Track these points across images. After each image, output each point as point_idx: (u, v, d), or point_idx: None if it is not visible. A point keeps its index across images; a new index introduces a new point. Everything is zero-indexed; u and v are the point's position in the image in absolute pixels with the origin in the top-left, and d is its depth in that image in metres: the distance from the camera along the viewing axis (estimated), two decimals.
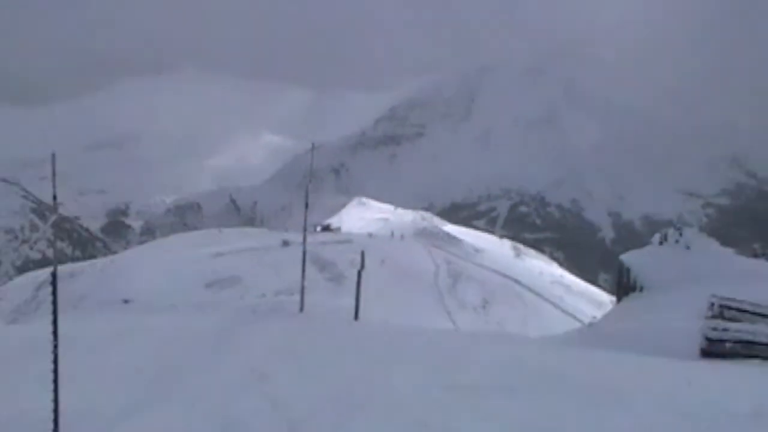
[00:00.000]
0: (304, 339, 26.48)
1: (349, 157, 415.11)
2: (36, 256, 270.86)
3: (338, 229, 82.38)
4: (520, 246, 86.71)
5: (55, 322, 14.88)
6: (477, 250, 74.11)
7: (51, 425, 13.84)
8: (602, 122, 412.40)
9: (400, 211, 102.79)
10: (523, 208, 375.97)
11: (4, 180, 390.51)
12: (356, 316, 34.78)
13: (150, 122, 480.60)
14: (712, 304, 28.80)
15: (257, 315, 33.36)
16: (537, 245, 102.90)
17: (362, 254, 40.81)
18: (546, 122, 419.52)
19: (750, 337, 27.47)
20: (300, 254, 36.09)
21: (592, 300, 60.72)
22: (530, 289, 63.13)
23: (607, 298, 53.90)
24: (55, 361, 14.47)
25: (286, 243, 57.45)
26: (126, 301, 48.62)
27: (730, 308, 28.64)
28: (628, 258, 37.76)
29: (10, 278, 73.77)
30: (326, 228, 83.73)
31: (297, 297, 35.83)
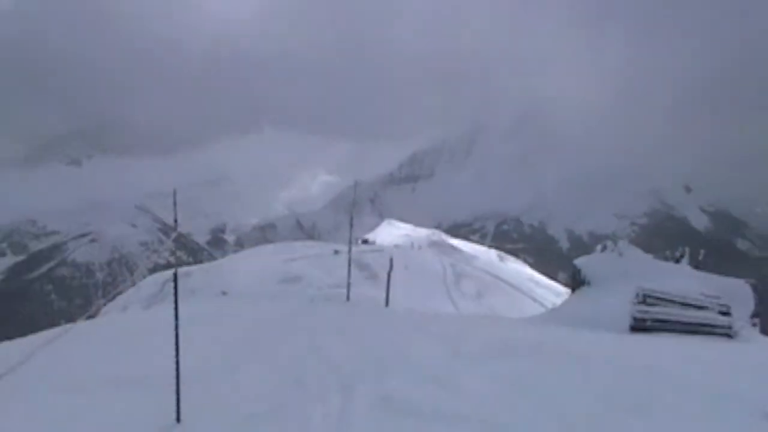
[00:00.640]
0: (349, 319, 26.53)
1: (381, 191, 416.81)
2: (162, 261, 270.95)
3: (374, 242, 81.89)
4: (503, 253, 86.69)
5: (176, 308, 14.95)
6: (473, 257, 74.06)
7: (174, 379, 13.90)
8: (561, 164, 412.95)
9: (417, 229, 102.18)
10: (504, 227, 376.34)
11: (140, 208, 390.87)
12: (387, 304, 34.78)
13: (240, 166, 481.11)
14: (638, 294, 29.00)
15: (315, 303, 33.36)
16: (514, 253, 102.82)
17: (391, 260, 40.93)
18: (522, 164, 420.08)
19: (664, 317, 28.08)
20: (346, 260, 36.42)
21: (554, 292, 60.80)
22: (511, 284, 63.10)
23: (564, 291, 53.85)
24: (176, 334, 14.55)
25: (336, 252, 57.38)
26: (224, 293, 48.73)
27: (650, 296, 28.85)
28: (579, 261, 37.97)
29: (144, 277, 74.10)
30: (365, 241, 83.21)
31: (344, 290, 35.85)
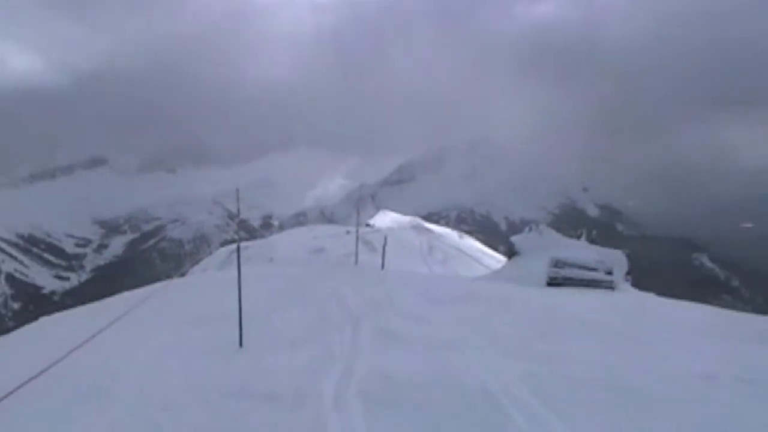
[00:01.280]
0: (358, 277, 26.55)
1: (379, 190, 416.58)
2: (229, 238, 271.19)
3: (374, 225, 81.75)
4: (462, 233, 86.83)
5: (238, 269, 15.14)
6: (440, 235, 74.19)
7: (237, 317, 14.03)
8: (501, 172, 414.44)
9: (403, 217, 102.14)
10: (462, 215, 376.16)
11: (215, 202, 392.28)
12: (382, 267, 34.77)
13: (281, 173, 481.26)
14: (552, 260, 29.16)
15: (334, 267, 33.46)
16: (469, 233, 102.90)
17: (385, 238, 40.88)
18: (474, 171, 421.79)
19: (569, 275, 28.31)
20: (355, 237, 36.75)
21: (496, 260, 60.92)
22: (467, 254, 63.15)
23: (503, 259, 53.88)
24: (239, 287, 14.71)
25: (348, 232, 57.48)
26: (271, 260, 48.85)
27: (560, 262, 29.07)
28: (513, 239, 38.16)
29: (217, 249, 74.31)
30: (368, 225, 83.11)
31: (353, 258, 35.91)
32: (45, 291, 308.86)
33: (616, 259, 31.97)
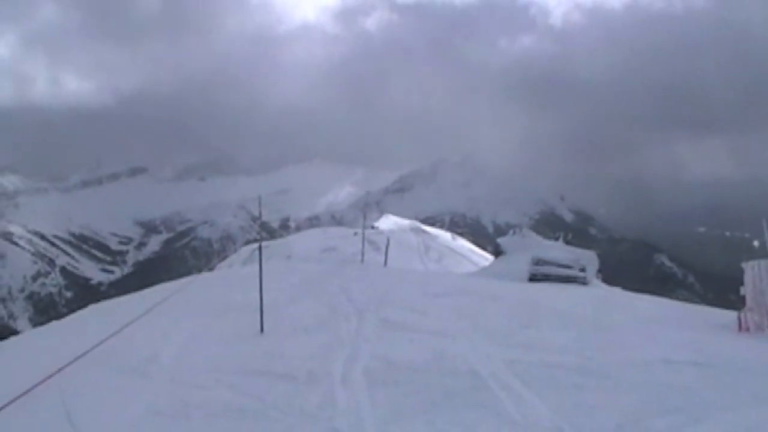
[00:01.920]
0: (364, 273, 26.58)
1: (383, 197, 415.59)
2: (251, 238, 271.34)
3: (378, 228, 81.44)
4: (455, 235, 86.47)
5: (260, 265, 15.15)
6: (436, 236, 73.91)
7: (259, 307, 14.04)
8: (490, 183, 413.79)
9: (403, 220, 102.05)
10: (455, 219, 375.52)
11: (240, 206, 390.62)
12: (385, 264, 34.77)
13: (298, 182, 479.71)
14: (533, 259, 29.19)
15: (343, 264, 33.32)
16: (461, 235, 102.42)
17: (387, 239, 41.18)
18: (466, 183, 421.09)
19: (548, 273, 28.33)
20: (362, 238, 36.70)
21: (484, 258, 60.59)
22: (459, 253, 62.95)
23: (490, 258, 53.58)
24: (260, 281, 14.71)
25: (356, 233, 57.07)
26: (288, 257, 48.71)
27: (540, 260, 29.11)
28: (499, 240, 38.43)
29: (241, 247, 74.50)
30: (373, 227, 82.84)
31: (360, 256, 35.86)
32: (93, 282, 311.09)
33: (589, 258, 32.04)
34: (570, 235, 42.08)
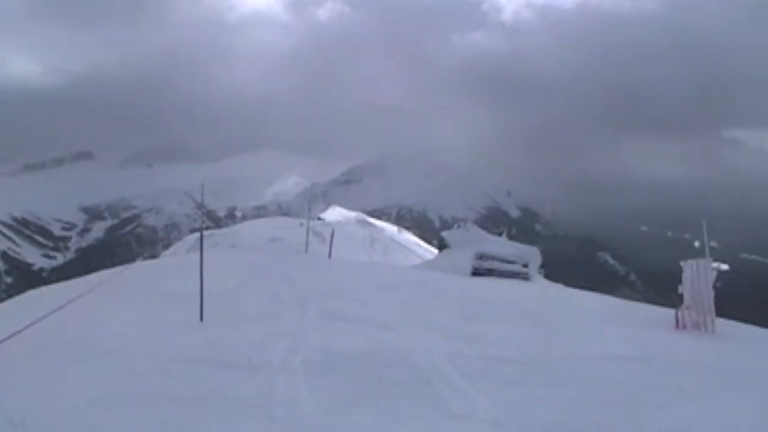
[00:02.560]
0: (308, 263, 26.55)
1: (330, 189, 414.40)
2: (197, 226, 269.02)
3: (324, 219, 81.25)
4: (401, 228, 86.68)
5: (201, 254, 14.99)
6: (382, 229, 73.91)
7: (199, 295, 13.89)
8: (437, 176, 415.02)
9: (350, 212, 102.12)
10: (402, 212, 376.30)
11: (186, 194, 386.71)
12: (329, 256, 34.65)
13: (246, 171, 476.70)
14: (476, 253, 29.44)
15: (288, 254, 33.17)
16: (407, 228, 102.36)
17: (332, 230, 40.87)
18: (413, 175, 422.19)
19: (491, 267, 28.67)
20: (306, 229, 36.68)
21: (429, 252, 60.80)
22: (404, 246, 63.22)
23: (435, 251, 53.67)
24: (201, 269, 14.55)
25: (301, 224, 56.84)
26: (233, 246, 48.47)
27: (483, 255, 29.47)
28: (444, 234, 38.55)
29: (186, 235, 73.78)
30: (319, 218, 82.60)
31: (305, 247, 35.80)
32: (34, 268, 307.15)
33: (532, 254, 32.51)
34: (514, 231, 42.60)
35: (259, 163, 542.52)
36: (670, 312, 18.39)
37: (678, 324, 17.23)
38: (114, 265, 28.98)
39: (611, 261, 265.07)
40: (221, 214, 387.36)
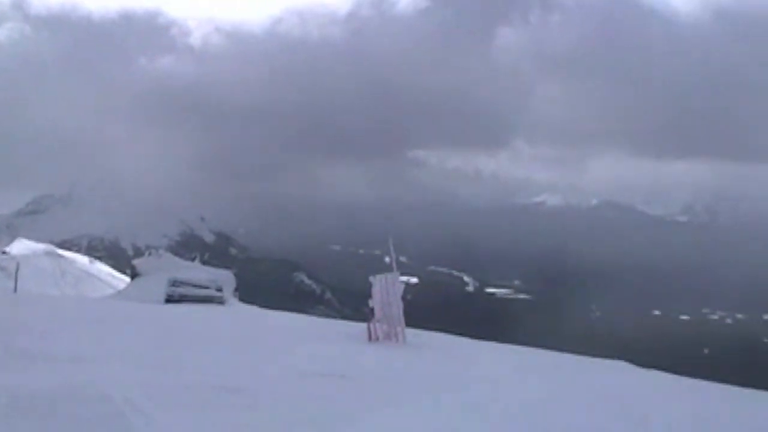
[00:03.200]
0: None
1: (14, 220, 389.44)
2: None
3: (9, 252, 76.38)
4: (93, 258, 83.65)
5: None
6: (73, 261, 70.66)
7: None
8: (126, 203, 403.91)
9: (38, 244, 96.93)
10: (93, 243, 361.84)
11: None
12: (15, 290, 32.78)
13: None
14: (169, 280, 29.22)
15: None
16: (99, 258, 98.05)
17: (17, 264, 38.86)
18: (105, 203, 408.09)
19: (186, 293, 28.95)
20: None
21: (124, 281, 58.88)
22: (96, 277, 61.02)
23: (129, 280, 52.31)
24: None
25: None
26: None
27: (177, 281, 29.41)
28: (135, 262, 38.50)
29: None
30: (4, 252, 77.49)
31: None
32: None
33: (226, 278, 33.00)
34: (207, 256, 42.77)
35: None
36: (363, 326, 19.10)
37: (371, 337, 18.00)
38: None
39: (307, 281, 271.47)
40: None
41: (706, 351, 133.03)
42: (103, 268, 70.10)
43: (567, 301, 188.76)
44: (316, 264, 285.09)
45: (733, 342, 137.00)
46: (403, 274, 18.90)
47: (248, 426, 8.81)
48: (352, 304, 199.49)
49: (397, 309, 18.09)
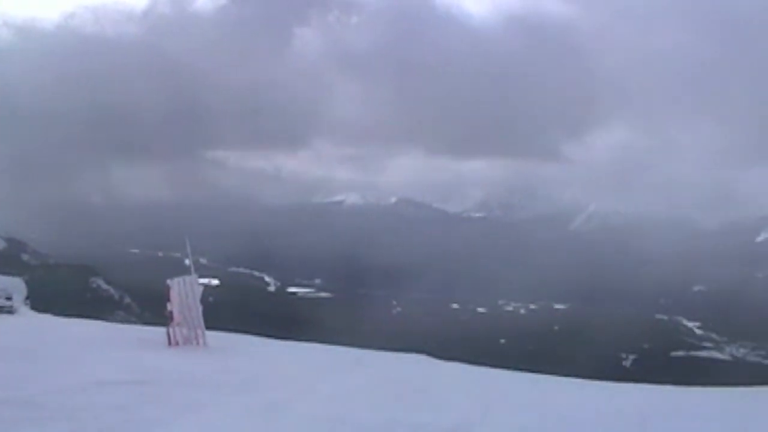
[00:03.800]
0: None
1: None
2: None
3: None
4: None
5: None
6: None
7: None
8: None
9: None
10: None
11: None
12: None
13: None
14: None
15: None
16: None
17: None
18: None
19: None
20: None
21: None
22: None
23: None
24: None
25: None
26: None
27: None
28: None
29: None
30: None
31: None
32: None
33: (16, 285, 31.70)
34: None
35: None
36: (163, 331, 18.72)
37: (170, 341, 17.66)
38: None
39: (105, 286, 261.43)
40: None
41: (502, 341, 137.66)
42: None
43: (368, 297, 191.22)
44: (115, 268, 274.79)
45: (527, 331, 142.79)
46: (203, 275, 18.76)
47: None
48: (152, 308, 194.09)
49: (197, 312, 17.87)
